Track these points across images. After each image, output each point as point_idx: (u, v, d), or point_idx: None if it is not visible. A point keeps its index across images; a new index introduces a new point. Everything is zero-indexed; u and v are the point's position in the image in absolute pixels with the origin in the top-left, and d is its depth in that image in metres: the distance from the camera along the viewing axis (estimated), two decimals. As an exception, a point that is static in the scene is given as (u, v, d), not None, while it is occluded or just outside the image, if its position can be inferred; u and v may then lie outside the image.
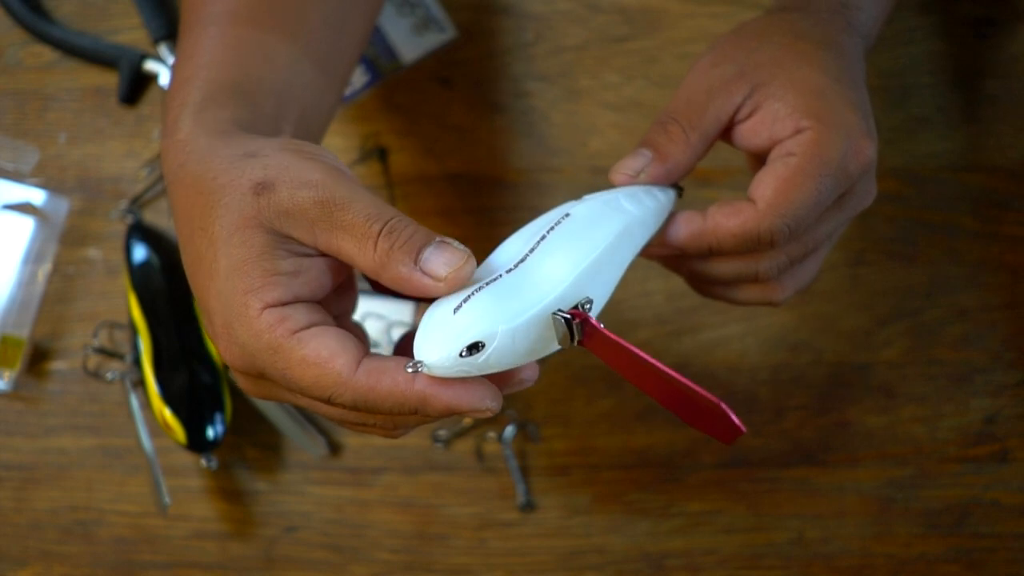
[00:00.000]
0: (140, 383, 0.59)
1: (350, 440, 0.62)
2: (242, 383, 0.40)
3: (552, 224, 0.40)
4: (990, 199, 0.64)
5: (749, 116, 0.44)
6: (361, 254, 0.37)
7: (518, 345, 0.37)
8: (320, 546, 0.61)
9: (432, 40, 0.65)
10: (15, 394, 0.62)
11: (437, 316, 0.37)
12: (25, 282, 0.63)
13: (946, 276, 0.63)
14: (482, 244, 0.63)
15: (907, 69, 0.65)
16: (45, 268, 0.63)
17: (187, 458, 0.60)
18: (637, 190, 0.43)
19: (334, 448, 0.62)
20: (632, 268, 0.63)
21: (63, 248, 0.64)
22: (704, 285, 0.47)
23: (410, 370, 0.36)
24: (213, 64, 0.44)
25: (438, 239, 0.37)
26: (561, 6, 0.66)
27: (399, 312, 0.61)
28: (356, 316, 0.60)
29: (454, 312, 0.36)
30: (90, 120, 0.65)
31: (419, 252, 0.37)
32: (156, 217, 0.64)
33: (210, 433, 0.58)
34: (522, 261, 0.39)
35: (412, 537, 0.61)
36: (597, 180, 0.64)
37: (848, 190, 0.43)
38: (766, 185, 0.42)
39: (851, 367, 0.62)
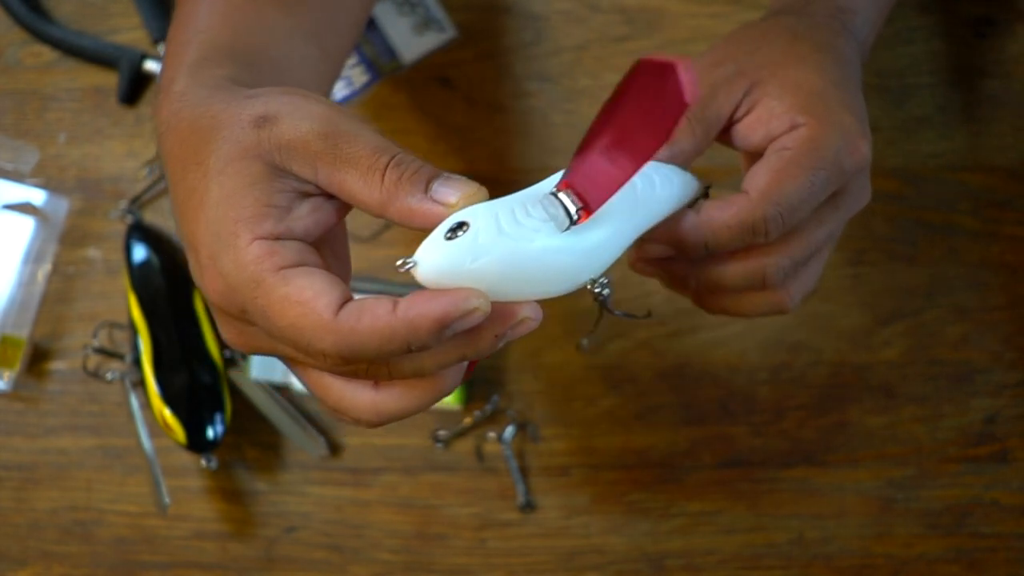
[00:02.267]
0: (140, 383, 0.59)
1: (350, 440, 0.62)
2: (224, 328, 0.39)
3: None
4: (990, 199, 0.64)
5: (746, 114, 0.44)
6: (367, 188, 0.36)
7: (505, 227, 0.35)
8: (320, 546, 0.61)
9: (432, 40, 0.65)
10: (15, 394, 0.62)
11: (433, 232, 0.35)
12: (25, 282, 0.63)
13: (946, 276, 0.63)
14: (482, 244, 0.64)
15: (907, 69, 0.65)
16: (45, 268, 0.63)
17: (187, 458, 0.60)
18: (649, 170, 0.41)
19: (334, 448, 0.62)
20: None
21: (63, 248, 0.64)
22: (712, 298, 0.47)
23: (401, 266, 0.34)
24: (211, 29, 0.43)
25: (446, 174, 0.36)
26: (561, 6, 0.66)
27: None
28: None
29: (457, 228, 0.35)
30: (90, 120, 0.65)
31: (429, 183, 0.36)
32: (156, 217, 0.64)
33: (210, 433, 0.58)
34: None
35: (412, 537, 0.61)
36: (597, 180, 0.64)
37: (843, 188, 0.43)
38: (760, 176, 0.42)
39: (851, 367, 0.62)
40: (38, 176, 0.64)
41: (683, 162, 0.44)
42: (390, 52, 0.65)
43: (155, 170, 0.64)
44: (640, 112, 0.34)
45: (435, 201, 0.36)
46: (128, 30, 0.66)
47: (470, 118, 0.65)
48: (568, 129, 0.65)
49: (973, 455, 0.62)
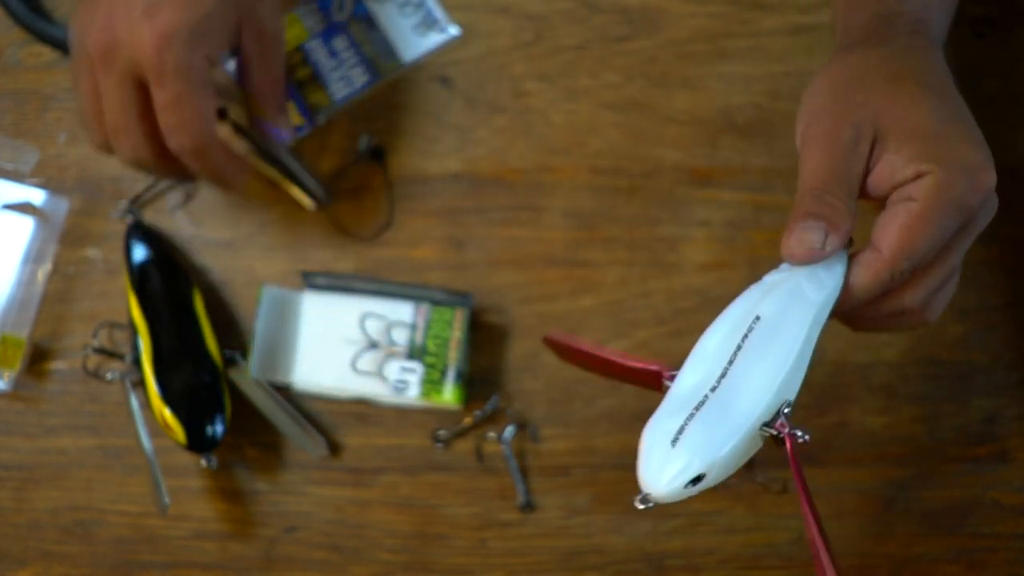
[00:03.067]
0: (140, 383, 0.59)
1: (350, 440, 0.62)
2: (98, 61, 0.51)
3: (744, 331, 0.42)
4: (990, 199, 0.64)
5: (871, 169, 0.45)
6: (259, 72, 0.56)
7: (730, 462, 0.40)
8: (320, 546, 0.61)
9: (432, 40, 0.65)
10: (15, 394, 0.62)
11: (657, 449, 0.40)
12: (25, 282, 0.62)
13: (946, 276, 0.63)
14: (483, 244, 0.64)
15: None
16: (45, 268, 0.63)
17: (187, 458, 0.60)
18: (818, 269, 0.44)
19: (334, 448, 0.62)
20: (632, 269, 0.63)
21: (63, 248, 0.64)
22: (860, 324, 0.49)
23: (640, 506, 0.40)
24: None
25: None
26: (561, 6, 0.66)
27: (399, 312, 0.61)
28: (355, 316, 0.61)
29: (672, 445, 0.40)
30: (90, 120, 0.65)
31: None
32: (156, 217, 0.64)
33: (210, 433, 0.58)
34: (723, 376, 0.41)
35: (412, 537, 0.61)
36: (597, 180, 0.64)
37: (970, 219, 0.45)
38: (891, 233, 0.43)
39: (852, 367, 0.62)
40: (38, 176, 0.64)
41: (847, 242, 0.45)
42: (390, 52, 0.65)
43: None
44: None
45: (279, 123, 0.59)
46: (128, 30, 0.66)
47: (470, 118, 0.65)
48: (568, 129, 0.65)
49: (973, 455, 0.62)
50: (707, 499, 0.61)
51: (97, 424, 0.62)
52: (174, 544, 0.61)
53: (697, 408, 0.41)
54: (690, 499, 0.41)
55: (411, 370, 0.60)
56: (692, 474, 0.40)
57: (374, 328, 0.61)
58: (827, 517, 0.60)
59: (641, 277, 0.63)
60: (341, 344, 0.61)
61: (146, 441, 0.58)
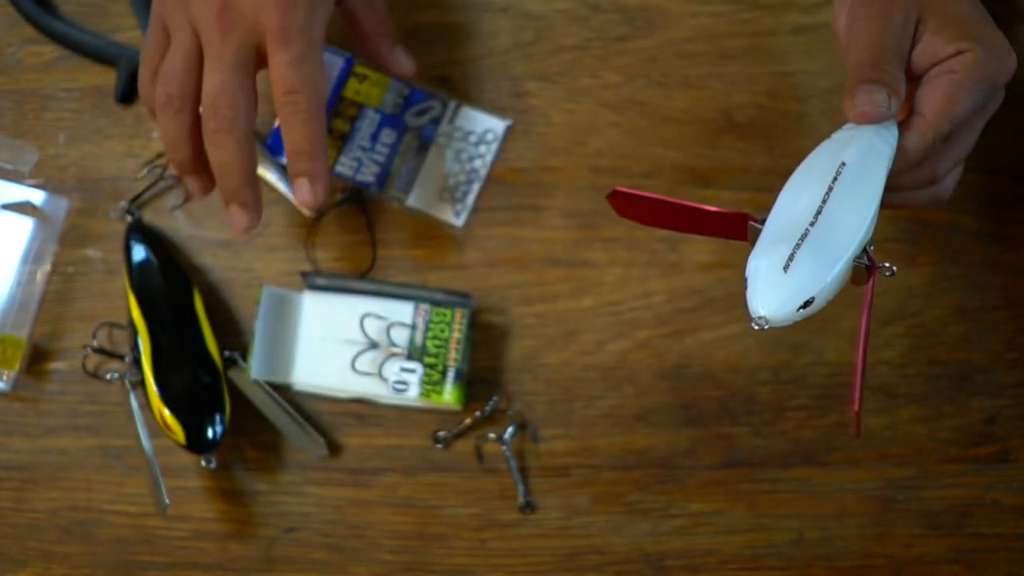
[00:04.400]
0: (139, 383, 0.59)
1: (350, 440, 0.62)
2: (214, 22, 0.52)
3: (834, 175, 0.47)
4: (991, 199, 0.64)
5: (914, 47, 0.50)
6: (368, 18, 0.60)
7: (832, 288, 0.45)
8: (320, 546, 0.61)
9: (444, 211, 0.64)
10: (14, 394, 0.62)
11: (768, 274, 0.44)
12: (24, 282, 0.62)
13: (946, 276, 0.63)
14: (483, 244, 0.64)
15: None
16: (44, 268, 0.63)
17: (186, 458, 0.60)
18: (881, 129, 0.48)
19: (334, 448, 0.62)
20: (632, 269, 0.63)
21: (62, 248, 0.64)
22: (888, 196, 0.52)
23: (755, 327, 0.44)
24: None
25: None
26: (561, 5, 0.66)
27: (399, 313, 0.61)
28: (355, 316, 0.61)
29: (784, 271, 0.44)
30: (89, 120, 0.65)
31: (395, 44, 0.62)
32: (156, 217, 0.64)
33: (210, 433, 0.58)
34: (819, 214, 0.45)
35: (412, 538, 0.61)
36: (597, 180, 0.64)
37: (993, 96, 0.51)
38: (935, 99, 0.49)
39: (852, 367, 0.62)
40: (37, 176, 0.64)
41: (901, 104, 0.50)
42: (407, 184, 0.63)
43: (154, 169, 0.64)
44: None
45: (397, 57, 0.62)
46: (128, 29, 0.66)
47: (470, 118, 0.65)
48: (568, 129, 0.65)
49: (974, 455, 0.62)
50: (707, 499, 0.61)
51: (97, 424, 0.62)
52: (174, 544, 0.61)
53: (802, 240, 0.44)
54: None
55: (411, 370, 0.60)
56: (806, 296, 0.43)
57: (374, 328, 0.61)
58: (827, 517, 0.61)
59: (641, 277, 0.63)
60: (341, 344, 0.61)
61: (146, 441, 0.58)
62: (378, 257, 0.63)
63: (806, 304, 0.44)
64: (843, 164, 0.47)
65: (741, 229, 0.48)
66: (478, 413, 0.61)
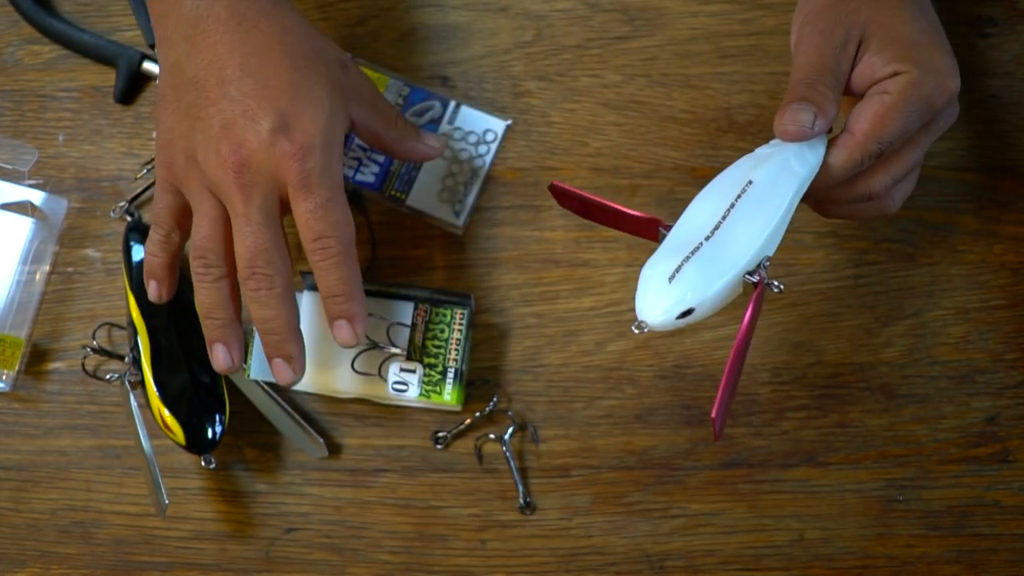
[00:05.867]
0: (139, 383, 0.59)
1: (350, 440, 0.62)
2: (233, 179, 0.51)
3: (738, 192, 0.49)
4: (991, 199, 0.64)
5: (854, 67, 0.52)
6: (386, 130, 0.57)
7: (716, 301, 0.47)
8: (319, 547, 0.61)
9: (444, 212, 0.64)
10: (14, 394, 0.62)
11: (654, 282, 0.47)
12: (23, 282, 0.62)
13: (947, 276, 0.63)
14: (483, 243, 0.64)
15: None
16: (43, 268, 0.63)
17: (186, 459, 0.60)
18: (803, 148, 0.50)
19: (333, 449, 0.61)
20: (632, 269, 0.63)
21: (62, 248, 0.63)
22: (830, 209, 0.56)
23: (635, 330, 0.47)
24: None
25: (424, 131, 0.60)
26: (561, 5, 0.66)
27: (399, 313, 0.61)
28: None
29: (669, 281, 0.46)
30: (89, 120, 0.65)
31: (419, 134, 0.59)
32: (155, 217, 0.64)
33: (209, 433, 0.58)
34: (716, 229, 0.48)
35: (412, 538, 0.61)
36: (597, 179, 0.64)
37: (933, 117, 0.52)
38: (864, 118, 0.50)
39: (852, 367, 0.62)
40: (37, 176, 0.64)
41: (830, 127, 0.51)
42: (407, 184, 0.63)
43: (153, 169, 0.64)
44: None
45: (426, 145, 0.59)
46: (127, 29, 0.66)
47: (470, 118, 0.65)
48: (568, 129, 0.65)
49: (974, 455, 0.62)
50: (708, 500, 0.61)
51: (96, 425, 0.62)
52: (173, 545, 0.61)
53: (692, 253, 0.47)
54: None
55: (411, 370, 0.60)
56: (684, 307, 0.46)
57: (373, 329, 0.60)
58: (827, 517, 0.61)
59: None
60: (341, 344, 0.61)
61: (145, 442, 0.58)
62: (378, 257, 0.63)
63: (685, 314, 0.46)
64: (750, 183, 0.49)
65: (653, 232, 0.51)
66: (478, 413, 0.61)
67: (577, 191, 0.52)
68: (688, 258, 0.47)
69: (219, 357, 0.54)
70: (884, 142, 0.50)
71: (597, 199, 0.52)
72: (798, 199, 0.50)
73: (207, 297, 0.53)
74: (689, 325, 0.47)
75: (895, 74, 0.50)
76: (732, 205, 0.48)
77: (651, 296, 0.47)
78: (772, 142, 0.51)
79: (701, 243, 0.47)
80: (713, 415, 0.46)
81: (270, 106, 0.51)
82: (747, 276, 0.48)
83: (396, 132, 0.57)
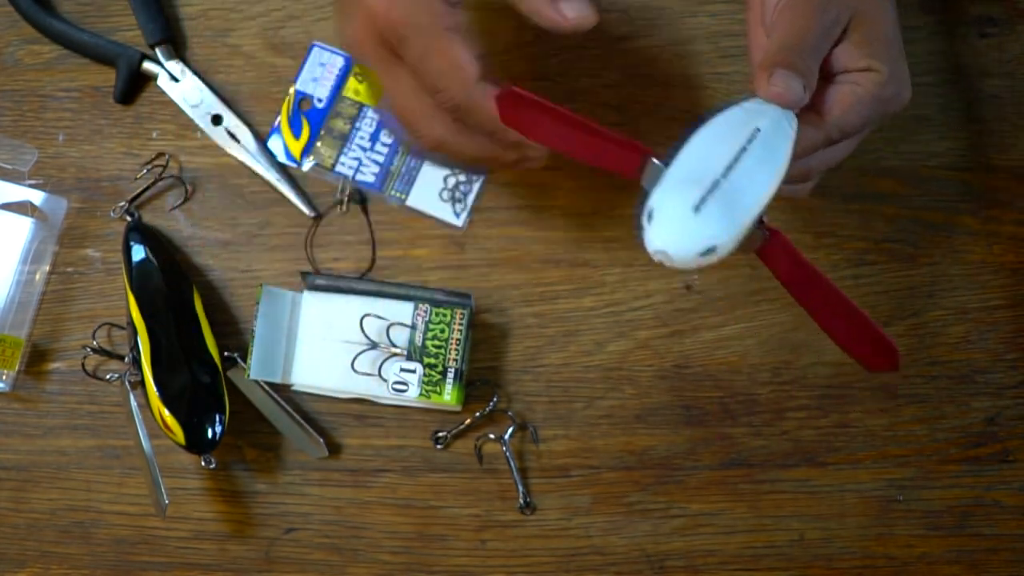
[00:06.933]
0: (139, 383, 0.59)
1: (350, 441, 0.62)
2: (370, 53, 0.50)
3: (748, 136, 0.47)
4: (991, 199, 0.64)
5: (833, 48, 0.51)
6: None
7: (734, 243, 0.44)
8: (319, 547, 0.61)
9: (448, 213, 0.64)
10: (13, 395, 0.62)
11: (677, 210, 0.44)
12: (23, 282, 0.62)
13: (947, 276, 0.63)
14: (483, 244, 0.63)
15: (908, 68, 0.64)
16: (43, 268, 0.63)
17: (186, 459, 0.60)
18: (789, 114, 0.48)
19: (333, 449, 0.61)
20: (632, 269, 0.63)
21: (61, 248, 0.63)
22: None
23: (657, 259, 0.44)
24: None
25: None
26: (561, 5, 0.66)
27: (399, 313, 0.61)
28: (354, 316, 0.60)
29: (694, 211, 0.43)
30: (89, 120, 0.65)
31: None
32: (155, 217, 0.64)
33: (209, 433, 0.58)
34: (730, 170, 0.45)
35: (412, 538, 0.61)
36: (598, 180, 0.64)
37: (880, 121, 0.53)
38: (834, 104, 0.50)
39: (852, 367, 0.62)
40: (36, 176, 0.64)
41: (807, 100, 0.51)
42: (408, 183, 0.64)
43: (154, 170, 0.64)
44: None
45: (557, 11, 0.51)
46: (127, 29, 0.66)
47: (470, 118, 0.65)
48: (568, 129, 0.65)
49: (974, 456, 0.62)
50: (708, 500, 0.61)
51: (96, 425, 0.62)
52: (173, 545, 0.61)
53: (713, 187, 0.44)
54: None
55: (411, 371, 0.60)
56: (713, 243, 0.43)
57: (374, 329, 0.60)
58: (827, 517, 0.61)
59: (642, 277, 0.63)
60: (341, 345, 0.61)
61: (145, 442, 0.58)
62: (378, 257, 0.63)
63: (708, 252, 0.44)
64: (757, 130, 0.47)
65: (634, 163, 0.47)
66: (478, 413, 0.61)
67: (540, 100, 0.47)
68: (711, 191, 0.44)
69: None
70: (845, 131, 0.50)
71: (567, 113, 0.47)
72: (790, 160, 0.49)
73: (466, 149, 0.53)
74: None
75: (868, 69, 0.50)
76: (743, 149, 0.46)
77: (674, 225, 0.44)
78: (755, 99, 0.49)
79: (717, 181, 0.45)
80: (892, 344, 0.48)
81: None
82: (762, 227, 0.46)
83: None
